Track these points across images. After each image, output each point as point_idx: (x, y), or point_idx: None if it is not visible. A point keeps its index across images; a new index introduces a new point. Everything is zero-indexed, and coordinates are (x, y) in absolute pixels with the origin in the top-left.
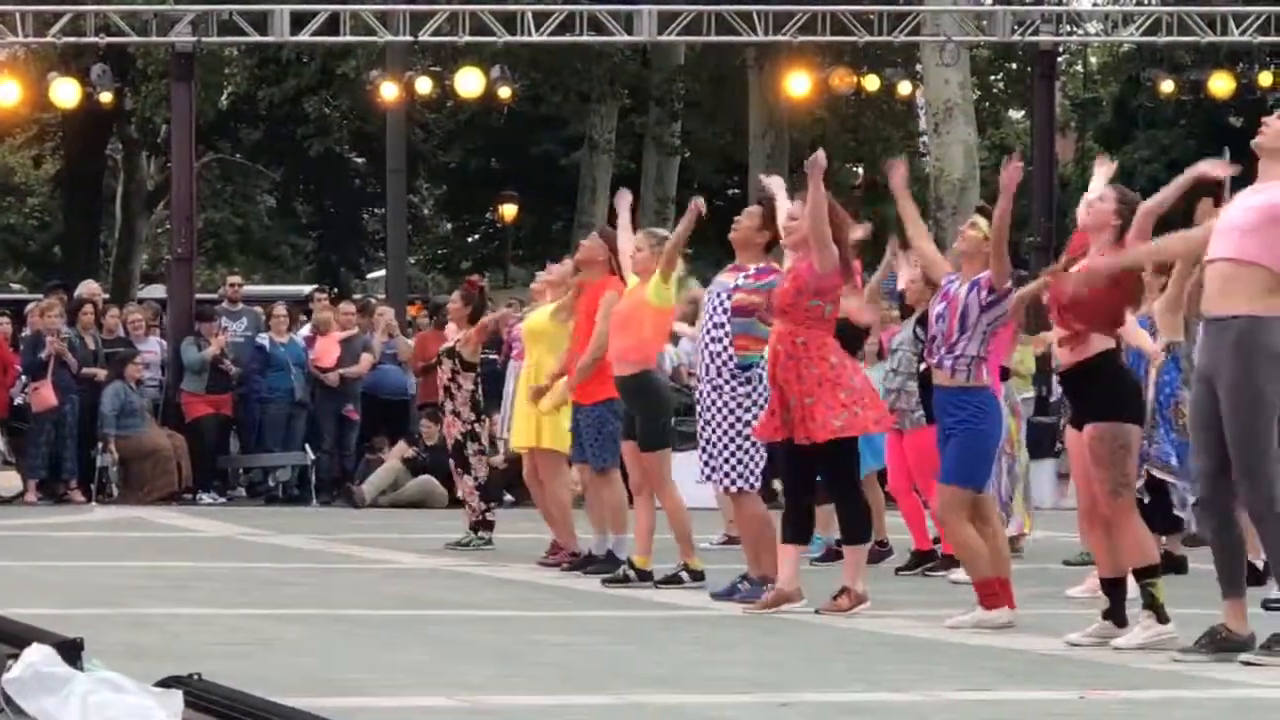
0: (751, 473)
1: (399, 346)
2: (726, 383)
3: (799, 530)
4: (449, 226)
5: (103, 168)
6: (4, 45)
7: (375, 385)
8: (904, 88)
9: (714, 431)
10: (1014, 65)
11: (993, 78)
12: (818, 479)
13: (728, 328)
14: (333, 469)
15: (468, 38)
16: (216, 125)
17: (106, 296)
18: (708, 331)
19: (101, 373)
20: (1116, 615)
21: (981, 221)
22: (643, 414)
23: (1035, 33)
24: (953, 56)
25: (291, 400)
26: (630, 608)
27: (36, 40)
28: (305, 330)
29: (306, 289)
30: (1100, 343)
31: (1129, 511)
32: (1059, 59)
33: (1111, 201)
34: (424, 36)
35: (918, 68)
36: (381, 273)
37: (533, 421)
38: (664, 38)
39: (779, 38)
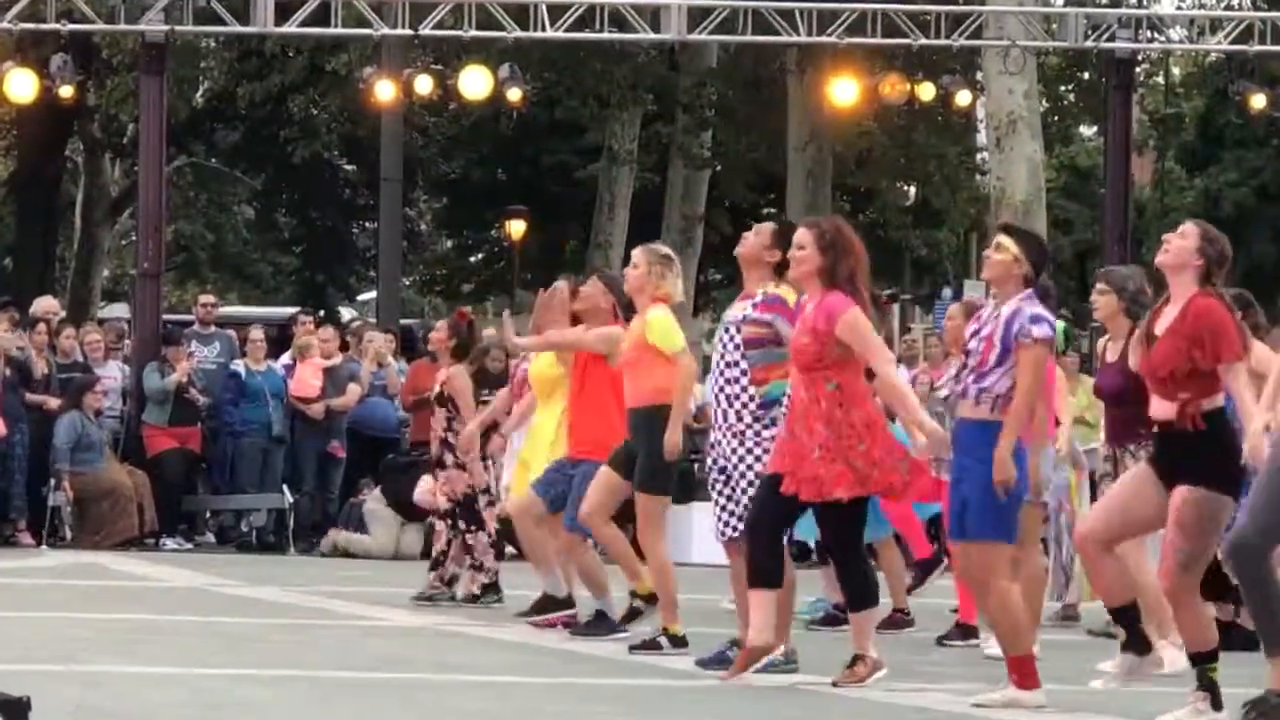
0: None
1: (389, 377)
2: (749, 427)
3: (771, 573)
4: (449, 244)
5: (61, 171)
6: None
7: (362, 420)
8: (963, 98)
9: (739, 483)
10: (1086, 75)
11: (1062, 88)
12: (812, 540)
13: (743, 365)
14: (314, 513)
15: (474, 32)
16: (190, 125)
17: (63, 315)
18: (720, 372)
19: (55, 401)
20: (1136, 644)
21: (1006, 241)
22: (648, 451)
23: (1111, 39)
24: (1018, 64)
25: (268, 435)
26: (634, 674)
27: None
28: (286, 358)
29: (288, 311)
30: (1208, 401)
31: (1193, 590)
32: (1137, 69)
33: (1194, 238)
34: (425, 30)
35: (978, 76)
36: (373, 294)
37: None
38: (694, 37)
39: (823, 39)
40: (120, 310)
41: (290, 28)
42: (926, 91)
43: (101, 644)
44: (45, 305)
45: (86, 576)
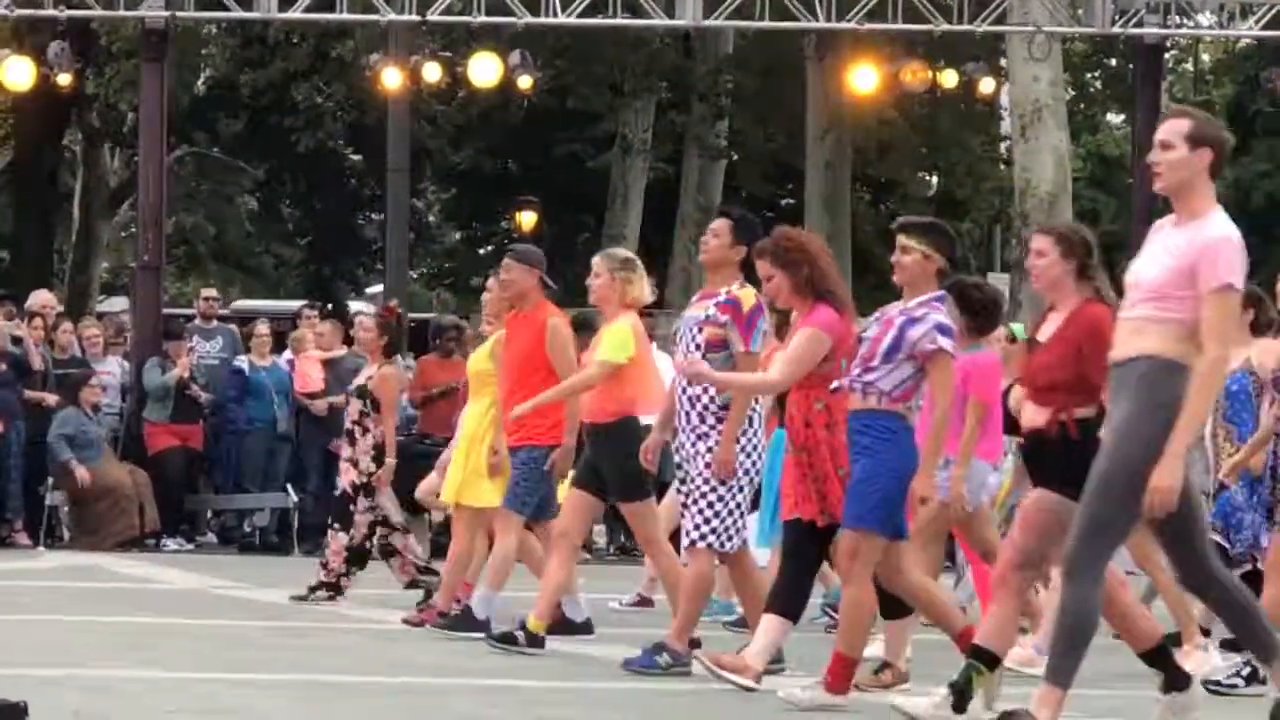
0: (738, 532)
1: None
2: (712, 429)
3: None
4: (457, 236)
5: (59, 161)
6: None
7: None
8: (986, 85)
9: (697, 483)
10: (1114, 62)
11: (1089, 75)
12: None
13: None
14: (318, 513)
15: (483, 18)
16: (191, 114)
17: (60, 309)
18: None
19: (52, 397)
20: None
21: (909, 241)
22: (615, 463)
23: (1139, 24)
24: (1043, 50)
25: (273, 433)
26: (640, 679)
27: None
28: (288, 353)
29: (295, 305)
30: (1081, 410)
31: (1019, 592)
32: (1166, 55)
33: (1050, 250)
34: (433, 16)
35: (1002, 62)
36: (379, 287)
37: (458, 474)
38: (710, 22)
39: (843, 24)
40: (120, 304)
41: (294, 13)
42: (949, 79)
43: (101, 648)
44: (42, 299)
45: (85, 578)
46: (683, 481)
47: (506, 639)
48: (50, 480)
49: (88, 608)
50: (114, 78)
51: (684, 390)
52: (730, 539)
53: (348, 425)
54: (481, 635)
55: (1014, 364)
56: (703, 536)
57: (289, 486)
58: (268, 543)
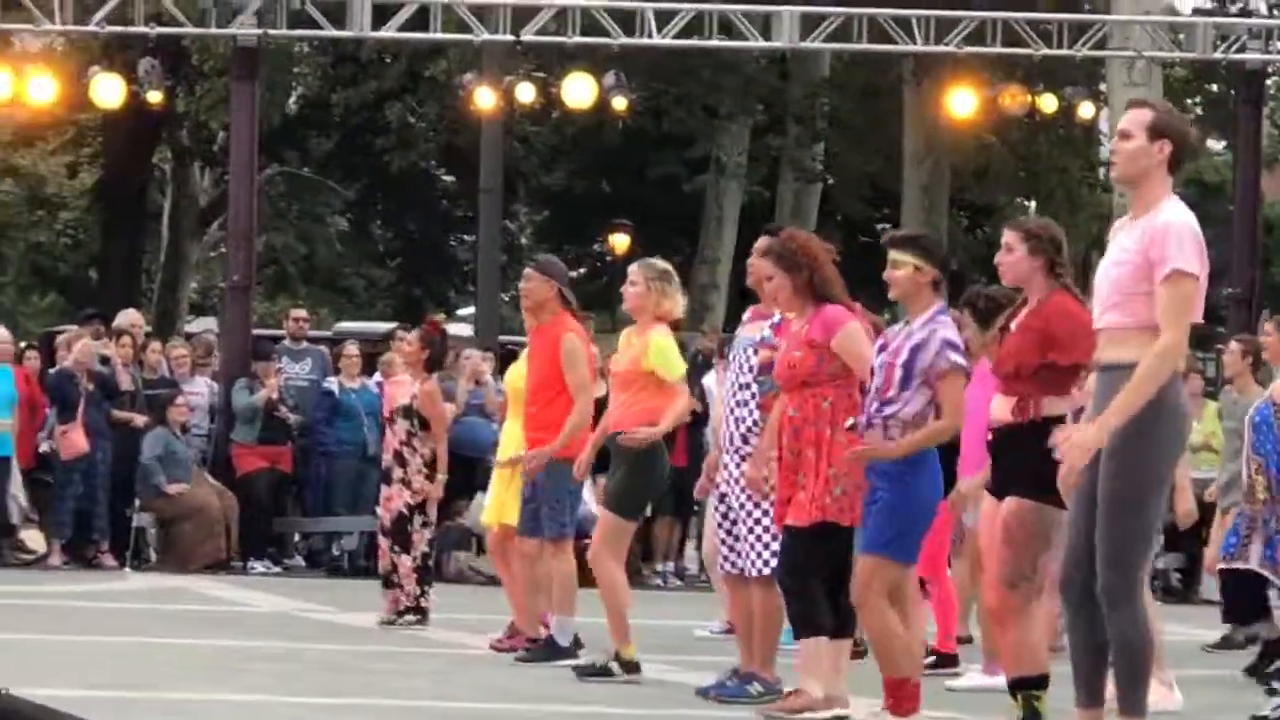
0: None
1: (486, 396)
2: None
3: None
4: None
5: (148, 179)
6: (38, 34)
7: (458, 441)
8: (1086, 110)
9: (738, 512)
10: (1215, 87)
11: (1190, 101)
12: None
13: (754, 389)
14: None
15: (578, 39)
16: (282, 133)
17: (149, 329)
18: (733, 394)
19: (140, 418)
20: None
21: (899, 255)
22: (627, 476)
23: (1240, 50)
24: (1143, 75)
25: (363, 455)
26: (730, 709)
27: (76, 29)
28: (378, 375)
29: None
30: (1049, 403)
31: (1021, 610)
32: (1268, 81)
33: (1019, 246)
34: (527, 36)
35: (1102, 87)
36: (471, 309)
37: (502, 495)
38: (807, 45)
39: (941, 48)
40: (208, 325)
41: (388, 32)
42: (1048, 103)
43: (185, 671)
44: (130, 318)
45: (171, 601)
46: (725, 510)
47: (602, 671)
48: (137, 501)
49: (172, 630)
50: (205, 96)
51: (732, 411)
52: None
53: (395, 447)
54: (567, 663)
55: None
56: (766, 564)
57: (379, 509)
58: (356, 566)
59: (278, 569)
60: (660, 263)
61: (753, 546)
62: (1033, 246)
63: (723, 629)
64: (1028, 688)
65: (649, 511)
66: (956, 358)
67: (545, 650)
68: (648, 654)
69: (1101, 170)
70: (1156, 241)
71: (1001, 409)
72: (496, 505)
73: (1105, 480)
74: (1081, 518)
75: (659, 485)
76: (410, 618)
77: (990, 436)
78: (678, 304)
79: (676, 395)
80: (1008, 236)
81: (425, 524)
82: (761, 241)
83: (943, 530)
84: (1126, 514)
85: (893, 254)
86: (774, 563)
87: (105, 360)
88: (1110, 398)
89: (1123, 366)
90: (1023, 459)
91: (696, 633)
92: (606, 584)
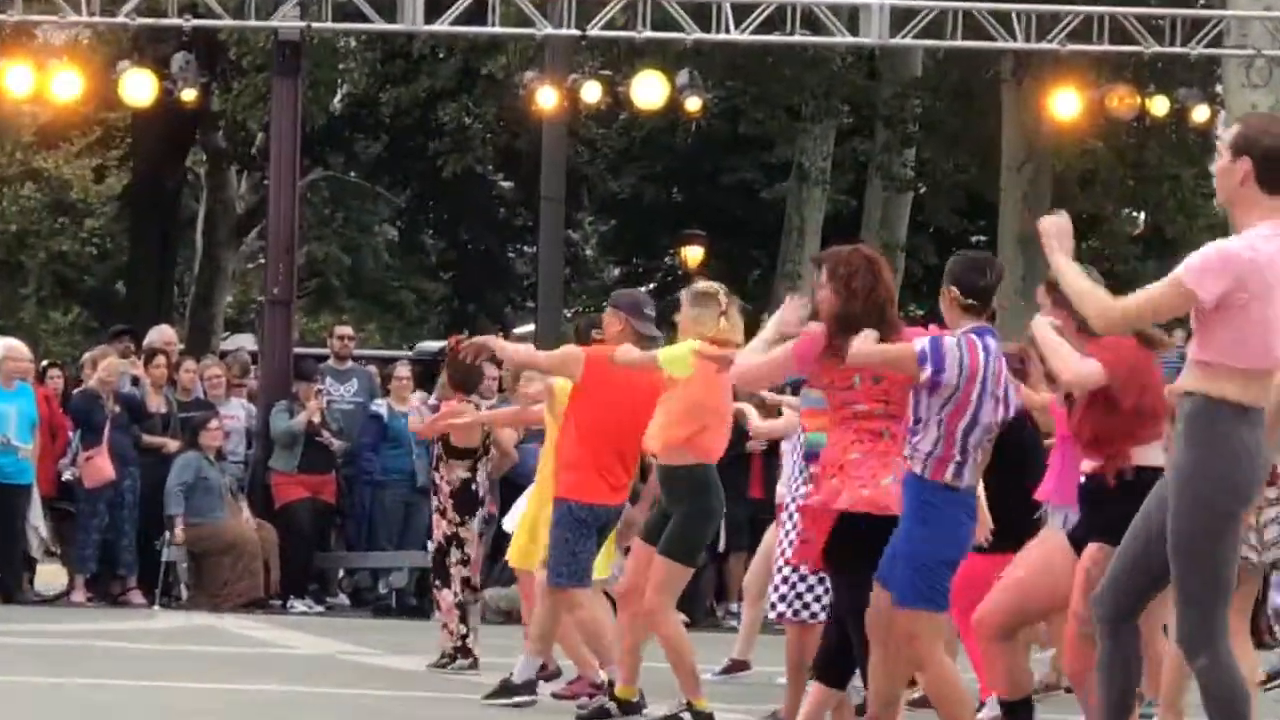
0: (817, 599)
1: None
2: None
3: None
4: (616, 272)
5: (181, 184)
6: (63, 26)
7: (516, 469)
8: (1200, 113)
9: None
10: None
11: None
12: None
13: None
14: None
15: (648, 33)
16: (327, 134)
17: (182, 347)
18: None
19: (173, 443)
20: None
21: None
22: (685, 517)
23: None
24: (1263, 75)
25: (412, 485)
26: None
27: (104, 21)
28: (432, 398)
29: (435, 345)
30: (1140, 455)
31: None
32: None
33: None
34: (593, 30)
35: (1218, 88)
36: (531, 326)
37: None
38: (897, 41)
39: (1043, 45)
40: (245, 342)
41: (441, 26)
42: (1159, 106)
43: (220, 717)
44: (163, 335)
45: (203, 641)
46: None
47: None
48: (167, 534)
49: (205, 674)
50: (243, 94)
51: (795, 447)
52: (815, 609)
53: (431, 472)
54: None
55: None
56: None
57: (429, 544)
58: (405, 605)
59: (320, 608)
60: (703, 284)
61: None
62: (1057, 299)
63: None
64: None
65: (722, 547)
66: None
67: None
68: (724, 703)
69: None
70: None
71: (1089, 460)
72: (517, 547)
73: (1169, 521)
74: (1131, 541)
75: (715, 521)
76: (461, 661)
77: (1081, 482)
78: (723, 327)
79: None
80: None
81: (464, 560)
82: (822, 252)
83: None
84: (1190, 558)
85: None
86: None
87: (135, 381)
88: (1182, 429)
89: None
90: (1108, 506)
91: (779, 680)
92: (668, 638)
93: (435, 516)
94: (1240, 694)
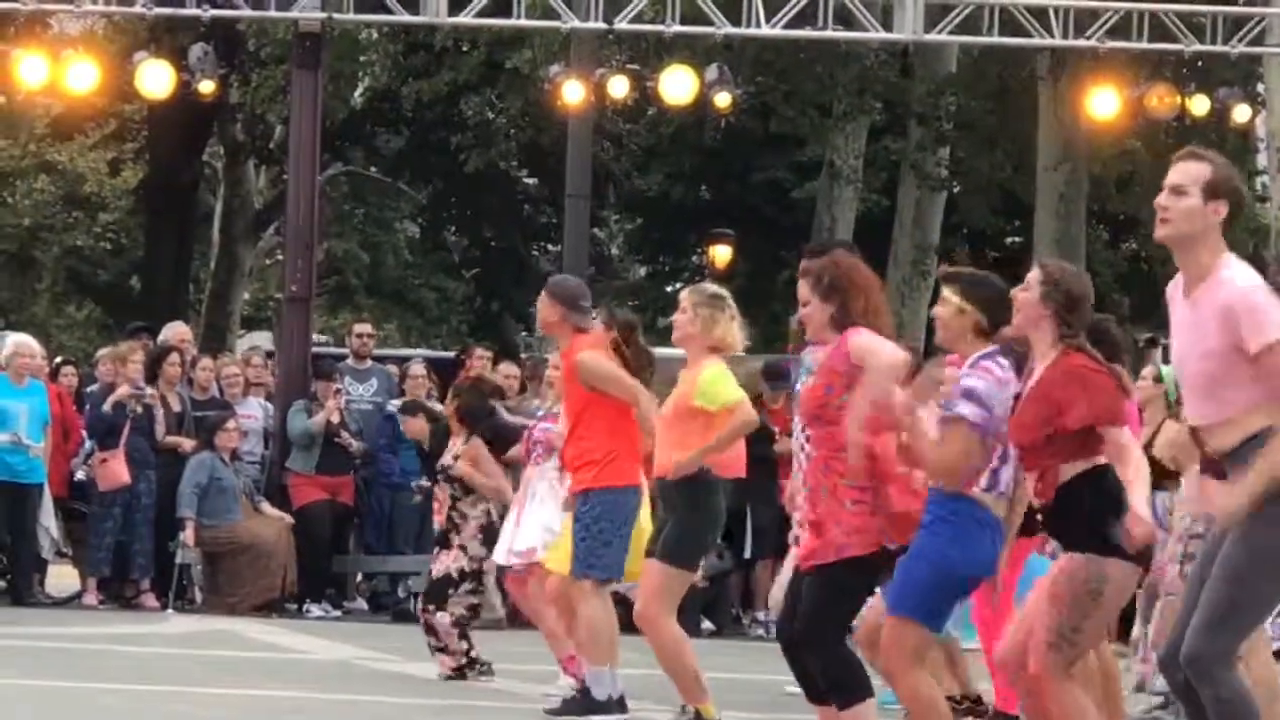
0: None
1: None
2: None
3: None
4: (643, 271)
5: (198, 178)
6: (78, 15)
7: None
8: (1241, 113)
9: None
10: None
11: None
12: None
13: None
14: None
15: (677, 27)
16: (347, 129)
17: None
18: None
19: (189, 442)
20: None
21: (947, 292)
22: (679, 523)
23: None
24: None
25: (431, 487)
26: None
27: (120, 10)
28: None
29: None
30: (1083, 463)
31: (1061, 676)
32: None
33: (1036, 286)
34: (621, 24)
35: (1259, 88)
36: None
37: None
38: (932, 37)
39: (1080, 42)
40: (262, 339)
41: (465, 18)
42: (1199, 105)
43: None
44: (178, 333)
45: (217, 645)
46: None
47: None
48: (181, 536)
49: (219, 679)
50: (261, 86)
51: (802, 447)
52: None
53: (443, 512)
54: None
55: (1154, 409)
56: None
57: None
58: None
59: (336, 612)
60: (710, 287)
61: None
62: (1046, 291)
63: None
64: None
65: (748, 554)
66: (966, 409)
67: (582, 703)
68: (736, 711)
69: (1259, 180)
70: (1237, 321)
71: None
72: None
73: (1226, 546)
74: (1194, 589)
75: (715, 527)
76: (474, 672)
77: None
78: (732, 333)
79: (738, 413)
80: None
81: (474, 591)
82: (808, 263)
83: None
84: (1234, 585)
85: (944, 290)
86: None
87: (151, 379)
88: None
89: (1248, 440)
90: (1077, 514)
91: (789, 689)
92: (661, 643)
93: (454, 550)
94: (1253, 706)
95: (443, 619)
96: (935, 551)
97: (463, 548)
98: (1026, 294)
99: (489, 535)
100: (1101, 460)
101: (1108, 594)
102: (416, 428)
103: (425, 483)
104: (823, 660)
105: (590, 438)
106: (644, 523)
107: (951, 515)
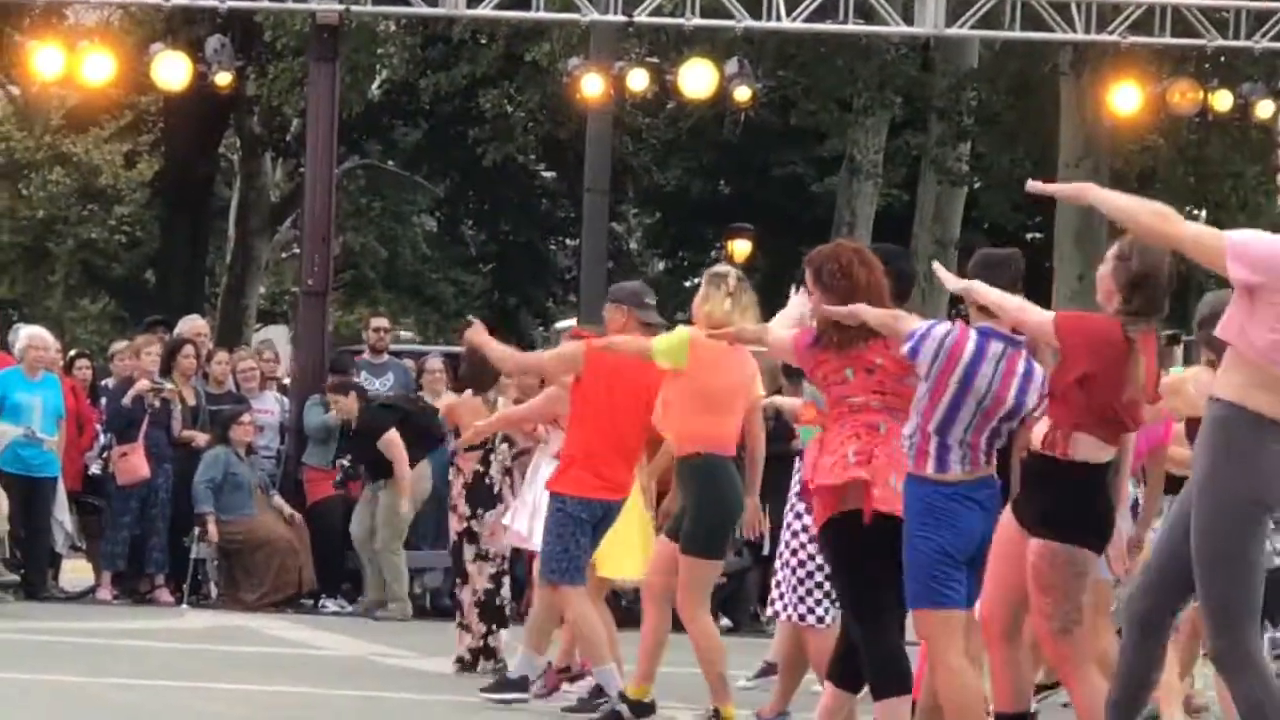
0: (819, 602)
1: None
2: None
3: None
4: (661, 266)
5: (214, 171)
6: (95, 6)
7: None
8: (1264, 109)
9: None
10: None
11: None
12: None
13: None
14: None
15: (697, 20)
16: (364, 121)
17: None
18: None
19: (203, 437)
20: None
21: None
22: (695, 509)
23: None
24: None
25: (448, 482)
26: None
27: (137, 1)
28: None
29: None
30: (1082, 447)
31: (1081, 659)
32: None
33: (1110, 261)
34: (640, 16)
35: None
36: (572, 321)
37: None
38: (953, 31)
39: (1103, 37)
40: (278, 334)
41: (483, 10)
42: (1222, 100)
43: None
44: (194, 326)
45: (233, 641)
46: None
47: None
48: (196, 530)
49: (235, 675)
50: (278, 78)
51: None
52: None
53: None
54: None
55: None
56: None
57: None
58: (440, 606)
59: (352, 608)
60: (722, 266)
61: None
62: (1114, 267)
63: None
64: None
65: (766, 550)
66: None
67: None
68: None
69: None
70: None
71: (1035, 432)
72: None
73: (1191, 538)
74: (1165, 543)
75: (730, 509)
76: (485, 664)
77: (1024, 459)
78: (721, 309)
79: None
80: None
81: (479, 556)
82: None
83: None
84: (1214, 571)
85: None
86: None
87: (166, 372)
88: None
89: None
90: (1055, 500)
91: (814, 688)
92: (697, 642)
93: (450, 513)
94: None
95: (465, 594)
96: (916, 538)
97: (453, 507)
98: (1103, 268)
99: (476, 493)
100: (1107, 458)
101: (1091, 570)
102: (345, 406)
103: (345, 462)
104: None
105: (567, 438)
106: (641, 515)
107: (922, 498)
